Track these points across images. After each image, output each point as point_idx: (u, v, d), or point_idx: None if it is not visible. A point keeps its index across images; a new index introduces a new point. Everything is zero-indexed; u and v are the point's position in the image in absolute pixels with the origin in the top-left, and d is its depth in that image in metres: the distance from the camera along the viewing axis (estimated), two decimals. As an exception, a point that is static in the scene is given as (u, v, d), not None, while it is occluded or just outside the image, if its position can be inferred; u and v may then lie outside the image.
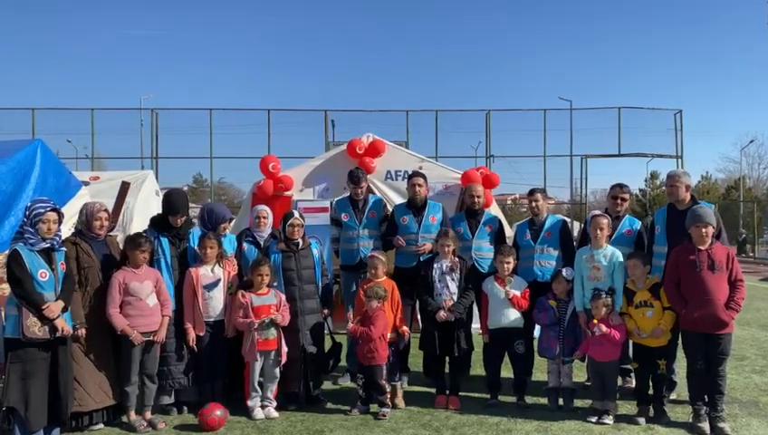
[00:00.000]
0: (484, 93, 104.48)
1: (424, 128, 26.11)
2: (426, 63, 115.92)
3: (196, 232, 6.10)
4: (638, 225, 6.43)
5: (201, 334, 5.78)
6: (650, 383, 5.75)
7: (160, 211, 6.04)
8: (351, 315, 6.12)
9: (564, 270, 6.04)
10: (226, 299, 5.87)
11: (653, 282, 5.74)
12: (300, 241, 6.16)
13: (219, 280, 5.84)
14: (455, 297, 6.09)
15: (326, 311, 6.35)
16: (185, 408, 5.92)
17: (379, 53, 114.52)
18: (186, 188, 44.58)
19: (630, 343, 5.88)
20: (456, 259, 6.20)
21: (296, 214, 6.27)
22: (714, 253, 5.39)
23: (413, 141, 23.47)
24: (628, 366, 5.95)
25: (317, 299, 6.19)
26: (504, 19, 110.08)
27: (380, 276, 6.20)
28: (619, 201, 6.48)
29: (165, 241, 5.86)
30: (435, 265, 6.19)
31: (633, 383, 6.14)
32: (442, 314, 5.99)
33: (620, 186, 6.59)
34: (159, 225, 5.94)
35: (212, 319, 5.81)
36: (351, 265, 6.91)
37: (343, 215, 7.02)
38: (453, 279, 6.12)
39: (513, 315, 6.05)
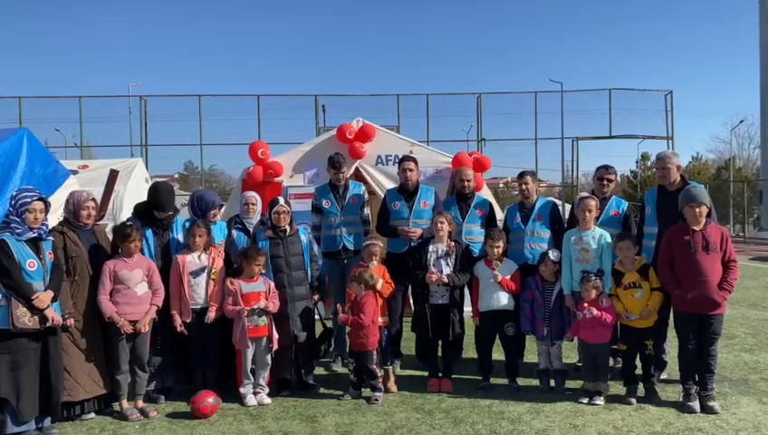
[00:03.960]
0: (476, 77, 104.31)
1: (415, 112, 26.10)
2: (417, 48, 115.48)
3: (179, 220, 6.08)
4: (624, 205, 6.46)
5: (188, 321, 5.76)
6: (637, 364, 5.80)
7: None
8: (340, 307, 6.10)
9: (551, 252, 6.05)
10: (208, 285, 5.82)
11: (641, 263, 5.76)
12: (287, 228, 6.12)
13: (205, 267, 5.82)
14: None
15: (316, 297, 6.33)
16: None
17: (369, 37, 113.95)
18: (177, 176, 44.55)
19: (618, 323, 5.89)
20: (452, 243, 6.20)
21: (281, 201, 6.22)
22: (708, 234, 5.39)
23: (404, 126, 23.46)
24: (615, 346, 5.97)
25: (306, 285, 6.17)
26: (495, 2, 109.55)
27: (375, 263, 6.20)
28: (605, 182, 6.48)
29: (149, 232, 5.83)
30: (430, 248, 6.18)
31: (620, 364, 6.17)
32: (434, 277, 5.99)
33: (606, 167, 6.59)
34: (143, 215, 5.91)
35: (198, 306, 5.80)
36: (333, 251, 6.89)
37: (324, 201, 6.99)
38: (448, 264, 6.12)
39: (503, 298, 6.06)
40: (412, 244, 6.55)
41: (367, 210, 7.14)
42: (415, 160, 6.95)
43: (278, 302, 5.88)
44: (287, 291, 6.02)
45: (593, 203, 6.02)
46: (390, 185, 8.03)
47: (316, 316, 6.36)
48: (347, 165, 7.19)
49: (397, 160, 7.90)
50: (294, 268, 6.09)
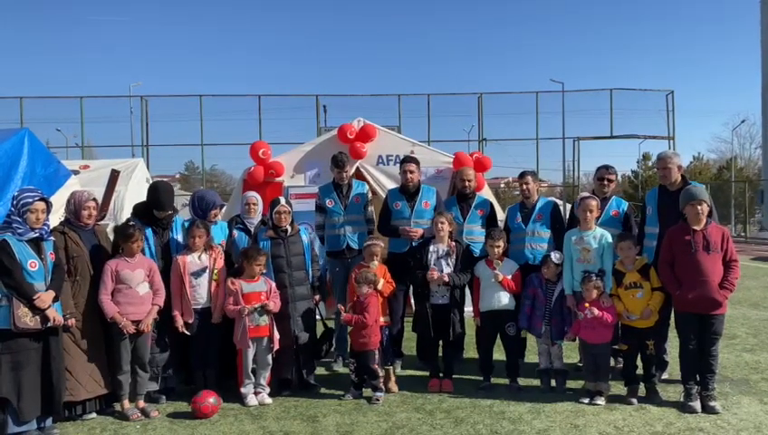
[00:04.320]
0: (476, 77, 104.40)
1: (416, 112, 26.19)
2: (417, 48, 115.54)
3: (179, 220, 6.09)
4: (625, 205, 6.45)
5: (190, 321, 5.76)
6: (638, 364, 5.80)
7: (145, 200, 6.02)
8: (341, 307, 6.10)
9: (553, 254, 6.04)
10: (210, 285, 5.84)
11: (642, 263, 5.76)
12: (288, 228, 6.12)
13: (206, 267, 5.83)
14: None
15: (317, 297, 6.33)
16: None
17: (370, 37, 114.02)
18: (178, 176, 44.59)
19: (619, 323, 5.89)
20: (453, 243, 6.19)
21: (282, 201, 6.22)
22: (709, 233, 5.39)
23: (405, 126, 23.49)
24: (616, 347, 5.97)
25: (307, 285, 6.17)
26: (495, 2, 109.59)
27: (376, 263, 6.20)
28: (605, 182, 6.48)
29: (149, 231, 5.83)
30: (430, 249, 6.17)
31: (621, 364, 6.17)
32: (435, 274, 5.98)
33: (606, 167, 6.59)
34: (142, 215, 5.91)
35: (200, 306, 5.80)
36: (337, 250, 6.89)
37: (328, 201, 6.99)
38: (448, 264, 6.12)
39: (504, 298, 6.06)
40: (413, 244, 6.55)
41: (370, 209, 7.14)
42: (416, 162, 6.94)
43: (279, 301, 5.88)
44: (288, 291, 6.02)
45: (594, 203, 6.02)
46: (391, 185, 8.03)
47: (317, 316, 6.36)
48: (349, 164, 7.18)
49: (398, 160, 7.89)
50: (295, 268, 6.09)
